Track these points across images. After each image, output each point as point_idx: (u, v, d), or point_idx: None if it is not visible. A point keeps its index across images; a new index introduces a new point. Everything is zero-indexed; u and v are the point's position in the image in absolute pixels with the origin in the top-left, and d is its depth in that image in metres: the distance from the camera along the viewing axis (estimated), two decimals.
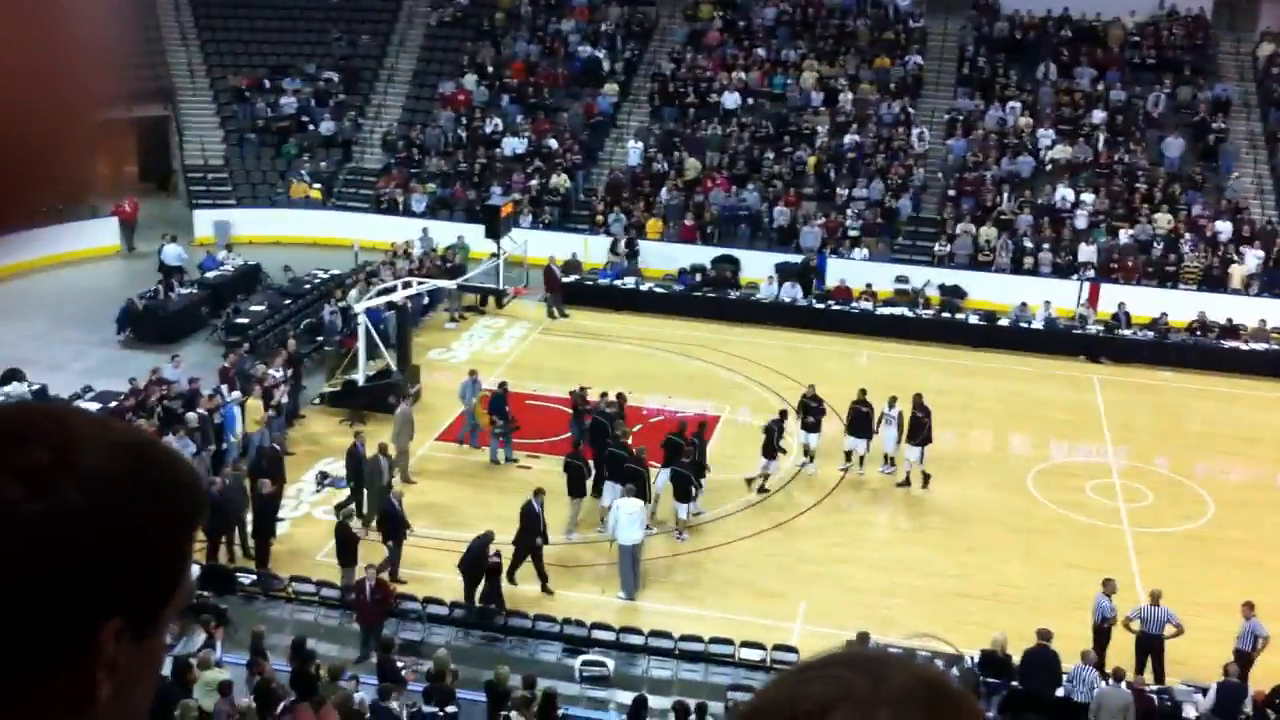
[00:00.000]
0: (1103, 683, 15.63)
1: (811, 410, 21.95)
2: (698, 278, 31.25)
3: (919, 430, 21.66)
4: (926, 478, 21.80)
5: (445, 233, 31.78)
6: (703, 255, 31.93)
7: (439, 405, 23.58)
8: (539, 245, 31.27)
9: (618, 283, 30.80)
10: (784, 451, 21.66)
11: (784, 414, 21.93)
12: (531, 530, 18.16)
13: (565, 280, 30.24)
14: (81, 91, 1.01)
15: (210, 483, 18.54)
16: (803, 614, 18.19)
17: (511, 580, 18.20)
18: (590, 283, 30.75)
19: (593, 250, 32.00)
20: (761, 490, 21.50)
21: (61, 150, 1.01)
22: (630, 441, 20.78)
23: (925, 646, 16.20)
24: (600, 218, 33.52)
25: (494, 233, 28.95)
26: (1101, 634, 16.92)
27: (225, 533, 18.61)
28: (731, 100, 36.68)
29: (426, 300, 28.02)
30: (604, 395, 22.19)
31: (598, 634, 17.18)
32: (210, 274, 29.09)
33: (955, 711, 1.12)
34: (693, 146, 35.47)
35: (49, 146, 1.01)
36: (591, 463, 20.37)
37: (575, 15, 39.90)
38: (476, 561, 17.49)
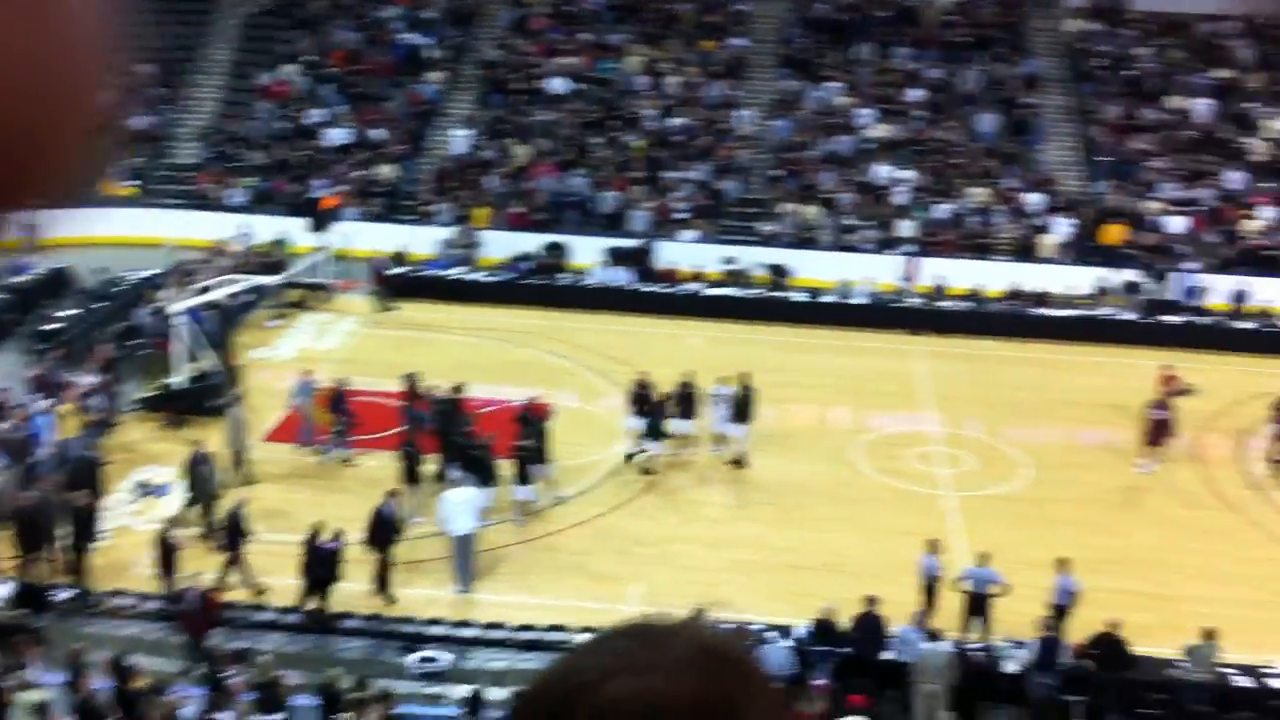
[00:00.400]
0: (926, 643, 16.07)
1: (641, 397, 22.07)
2: (523, 266, 31.13)
3: (746, 409, 21.99)
4: (739, 462, 22.11)
5: (267, 228, 31.06)
6: (532, 243, 31.84)
7: (264, 405, 23.05)
8: (366, 237, 30.81)
9: (446, 273, 30.52)
10: (667, 435, 21.88)
11: (667, 396, 22.01)
12: (385, 534, 17.86)
13: (393, 272, 29.84)
14: (76, 80, 0.98)
15: (21, 497, 17.83)
16: (638, 596, 18.30)
17: (387, 595, 17.86)
18: (419, 274, 30.40)
19: (421, 241, 31.61)
20: (646, 472, 21.74)
21: (56, 140, 0.99)
22: (473, 429, 20.66)
23: (721, 616, 16.34)
24: (428, 208, 33.16)
25: (318, 226, 28.44)
26: (930, 593, 17.39)
27: (39, 548, 17.89)
28: (558, 85, 36.60)
29: (248, 298, 27.33)
30: (435, 387, 21.99)
31: (432, 629, 17.05)
32: (17, 278, 27.91)
33: (736, 675, 1.13)
34: (520, 133, 35.31)
35: (43, 136, 0.98)
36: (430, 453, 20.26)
37: (398, 2, 39.33)
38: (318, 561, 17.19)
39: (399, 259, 30.54)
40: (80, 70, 0.99)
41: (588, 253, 31.48)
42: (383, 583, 17.87)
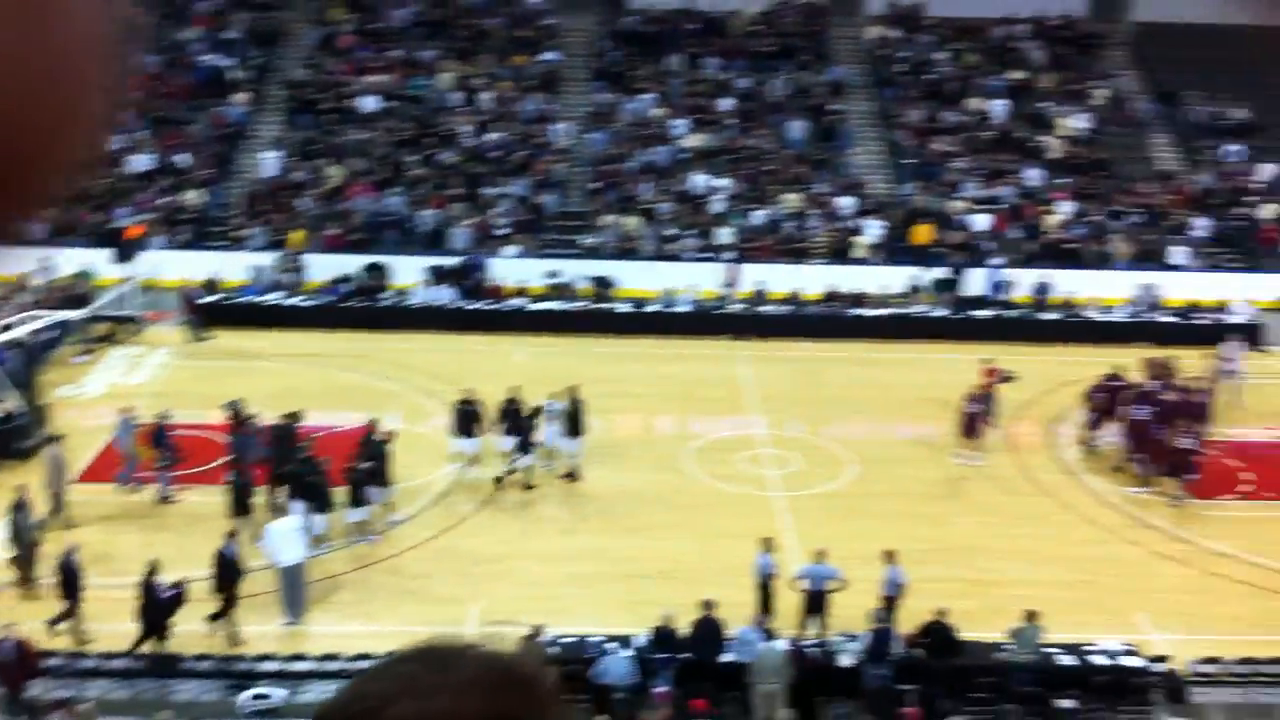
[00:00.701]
0: (763, 643, 16.25)
1: (467, 414, 21.89)
2: (342, 288, 30.58)
3: (577, 422, 22.01)
4: (572, 475, 22.17)
5: (70, 260, 29.81)
6: (351, 264, 31.31)
7: (75, 445, 22.09)
8: (175, 266, 29.86)
9: (263, 299, 29.80)
10: (538, 444, 21.88)
11: (537, 409, 21.88)
12: (230, 575, 17.28)
13: (205, 301, 28.99)
14: (78, 80, 0.97)
15: None
16: (478, 616, 18.12)
17: (232, 635, 17.25)
18: (233, 301, 29.60)
19: (233, 267, 30.77)
20: (528, 486, 21.80)
21: (59, 140, 0.98)
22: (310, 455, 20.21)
23: (509, 631, 16.23)
24: (240, 233, 32.33)
25: (123, 257, 27.46)
26: (765, 591, 17.61)
27: None
28: (369, 104, 36.11)
29: (53, 334, 26.19)
30: (259, 415, 21.42)
31: (264, 665, 16.56)
32: None
33: (522, 693, 1.12)
34: (333, 153, 34.70)
35: (46, 136, 0.97)
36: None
37: (198, 23, 38.27)
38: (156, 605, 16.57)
39: (211, 287, 29.68)
40: (81, 78, 0.98)
41: (409, 272, 31.10)
42: (226, 623, 17.32)
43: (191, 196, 33.39)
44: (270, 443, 20.58)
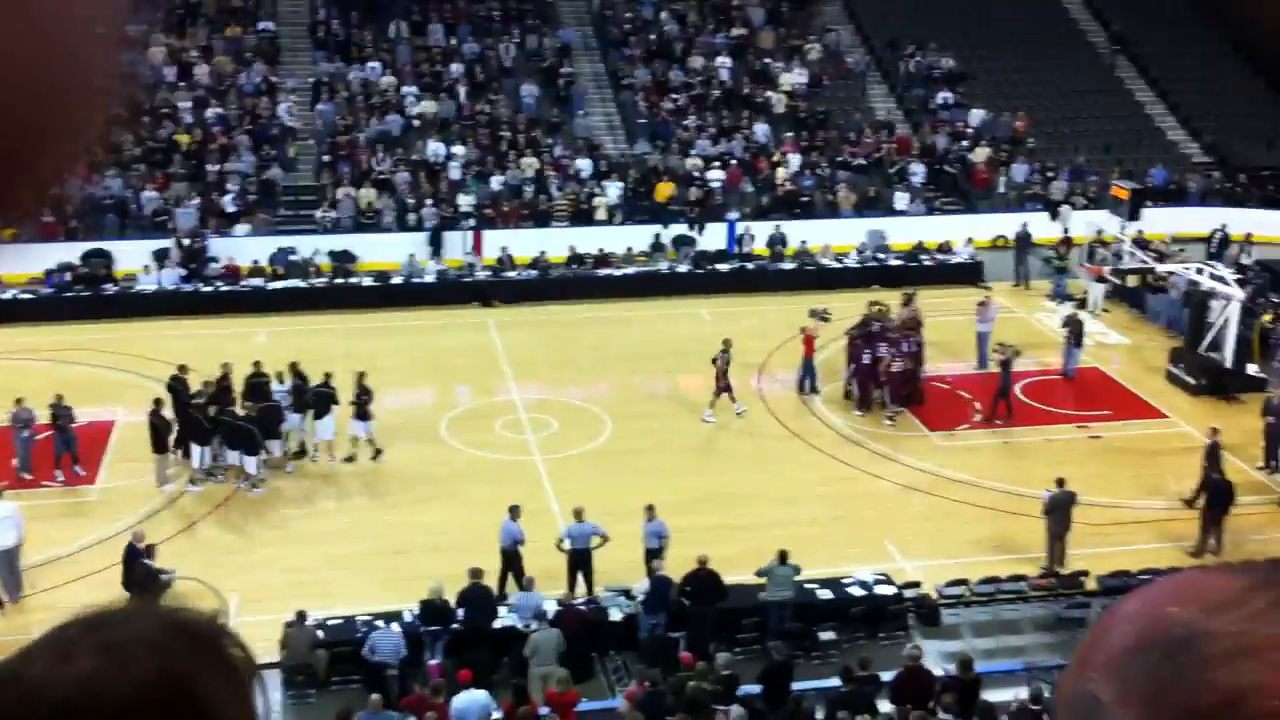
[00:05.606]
0: (535, 621, 16.07)
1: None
2: (67, 277, 28.87)
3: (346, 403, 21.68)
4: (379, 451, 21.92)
5: None
6: (69, 252, 29.51)
7: None
8: None
9: None
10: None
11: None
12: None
13: None
14: (83, 62, 0.97)
15: None
16: (236, 606, 17.48)
17: None
18: None
19: None
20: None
21: (62, 123, 0.97)
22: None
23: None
24: None
25: None
26: (513, 556, 17.57)
27: None
28: None
29: None
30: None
31: None
32: None
33: (196, 649, 1.02)
34: None
35: (50, 120, 0.96)
36: None
37: None
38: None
39: None
40: (82, 68, 0.97)
41: (134, 258, 29.56)
42: None
43: None
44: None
